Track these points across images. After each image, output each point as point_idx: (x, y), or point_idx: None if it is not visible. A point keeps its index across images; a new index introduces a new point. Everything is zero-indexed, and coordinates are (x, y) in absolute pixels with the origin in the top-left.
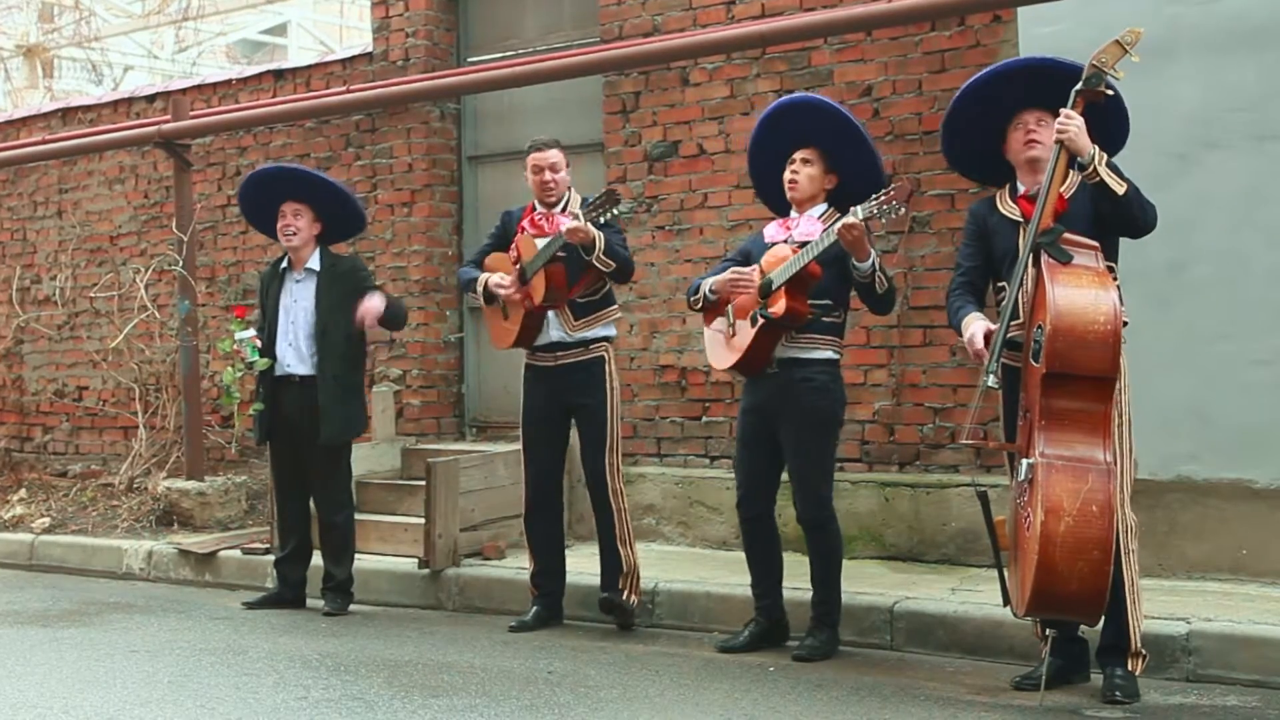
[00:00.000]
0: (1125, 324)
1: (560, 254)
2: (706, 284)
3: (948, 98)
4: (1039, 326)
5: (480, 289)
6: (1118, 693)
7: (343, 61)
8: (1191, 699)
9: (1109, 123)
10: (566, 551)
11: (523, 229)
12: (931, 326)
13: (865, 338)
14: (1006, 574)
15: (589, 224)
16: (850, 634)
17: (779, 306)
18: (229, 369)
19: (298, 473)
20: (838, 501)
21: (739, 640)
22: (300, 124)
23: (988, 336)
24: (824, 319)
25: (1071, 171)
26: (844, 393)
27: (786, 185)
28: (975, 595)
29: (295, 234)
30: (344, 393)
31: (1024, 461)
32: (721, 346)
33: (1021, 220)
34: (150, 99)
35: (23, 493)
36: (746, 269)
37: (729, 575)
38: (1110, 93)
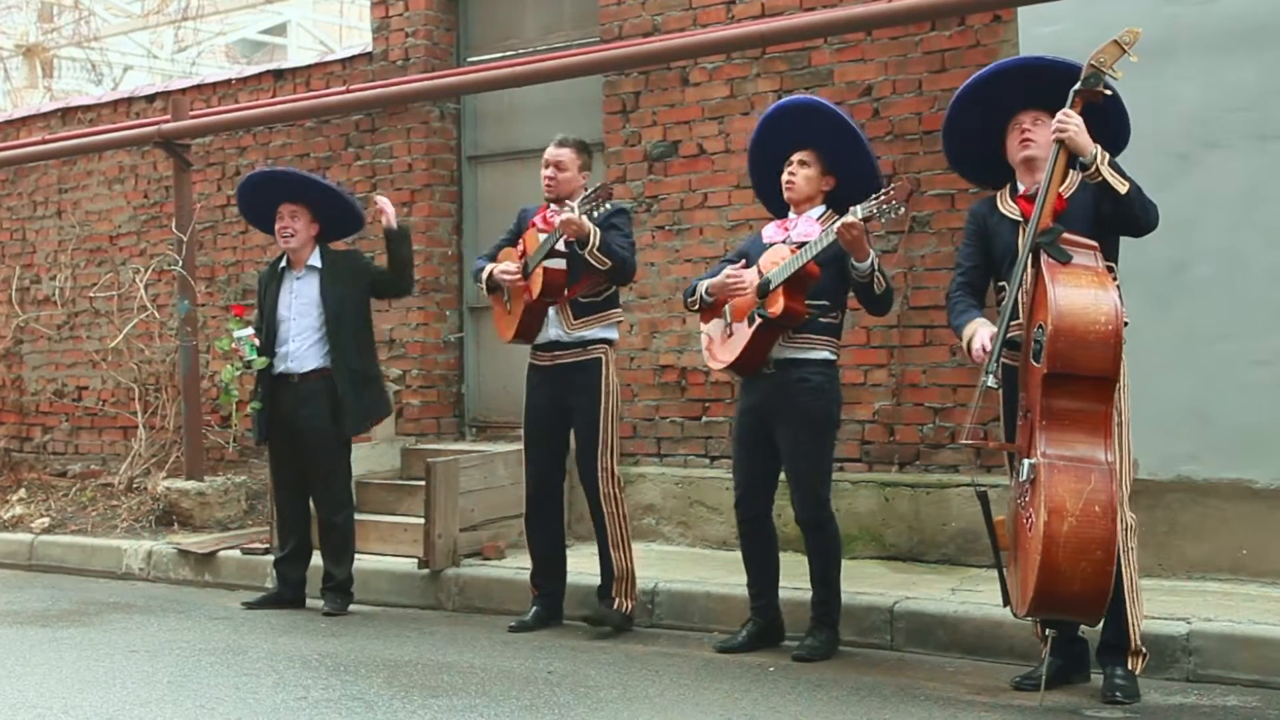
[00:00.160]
0: (1126, 324)
1: (561, 250)
2: (703, 285)
3: (948, 98)
4: (1039, 326)
5: (484, 277)
6: (1118, 693)
7: (342, 61)
8: (1191, 699)
9: (1109, 123)
10: (567, 551)
11: (533, 225)
12: (931, 326)
13: (865, 338)
14: (1006, 574)
15: (583, 218)
16: (850, 634)
17: (777, 306)
18: (227, 367)
19: (297, 473)
20: (837, 501)
21: (736, 641)
22: (300, 124)
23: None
24: (821, 319)
25: (1071, 171)
26: (840, 393)
27: (784, 186)
28: (975, 595)
29: (293, 236)
30: (362, 382)
31: (1025, 462)
32: (718, 346)
33: (1021, 220)
34: (150, 99)
35: (22, 493)
36: (741, 271)
37: (729, 575)
38: (1109, 92)
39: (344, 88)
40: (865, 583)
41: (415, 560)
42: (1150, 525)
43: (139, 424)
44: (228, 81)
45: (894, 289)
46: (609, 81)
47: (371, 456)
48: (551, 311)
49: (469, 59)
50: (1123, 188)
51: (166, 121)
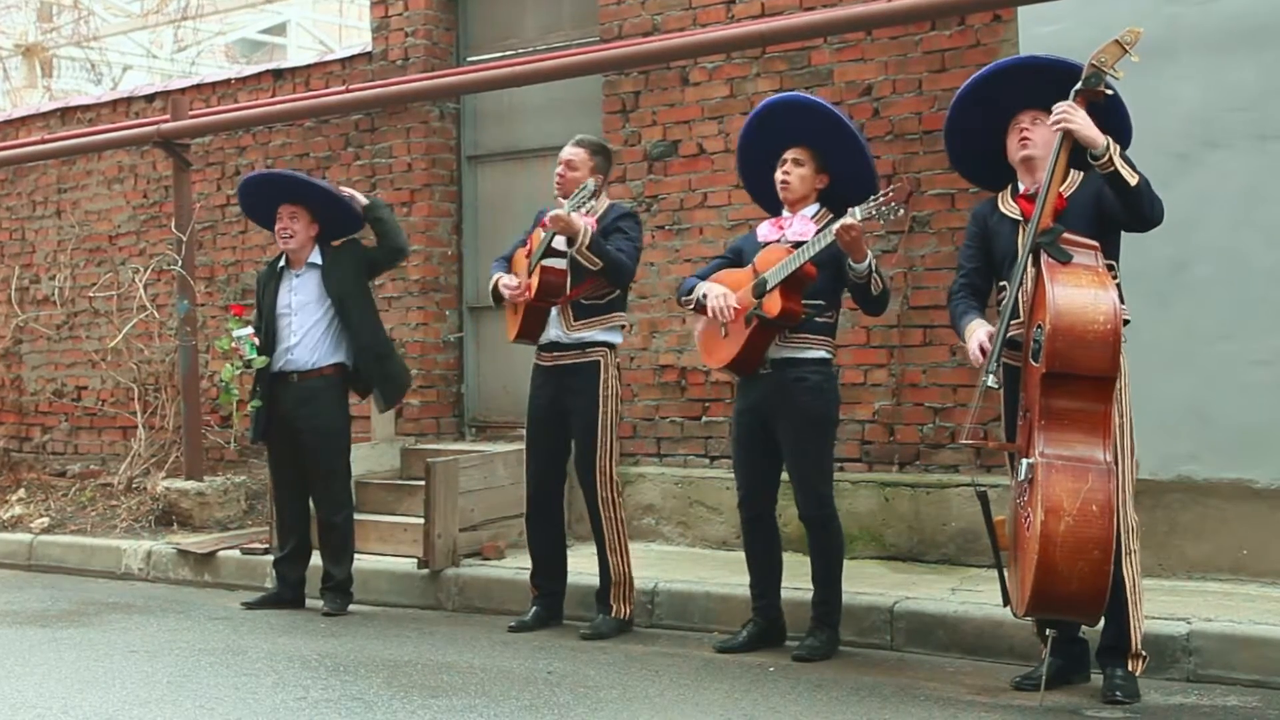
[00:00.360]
0: (1127, 323)
1: (561, 250)
2: (700, 288)
3: (948, 97)
4: (1038, 326)
5: (490, 288)
6: (1118, 693)
7: (342, 61)
8: (1192, 699)
9: (1110, 122)
10: (567, 551)
11: (542, 224)
12: (931, 326)
13: (865, 338)
14: (1006, 574)
15: (572, 215)
16: (850, 634)
17: (774, 307)
18: (227, 366)
19: (297, 472)
20: (838, 501)
21: (737, 641)
22: (299, 124)
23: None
24: (817, 319)
25: (1072, 170)
26: (838, 391)
27: (779, 186)
28: (975, 595)
29: (292, 237)
30: (386, 355)
31: (1024, 461)
32: (715, 345)
33: (1022, 220)
34: (149, 98)
35: (21, 493)
36: (733, 297)
37: (729, 575)
38: (1110, 92)
39: (343, 87)
40: (865, 583)
41: (415, 560)
42: (1150, 525)
43: (138, 424)
44: (227, 81)
45: (891, 289)
46: (609, 81)
47: (371, 456)
48: (554, 312)
49: (468, 59)
50: (1133, 180)
51: (166, 121)
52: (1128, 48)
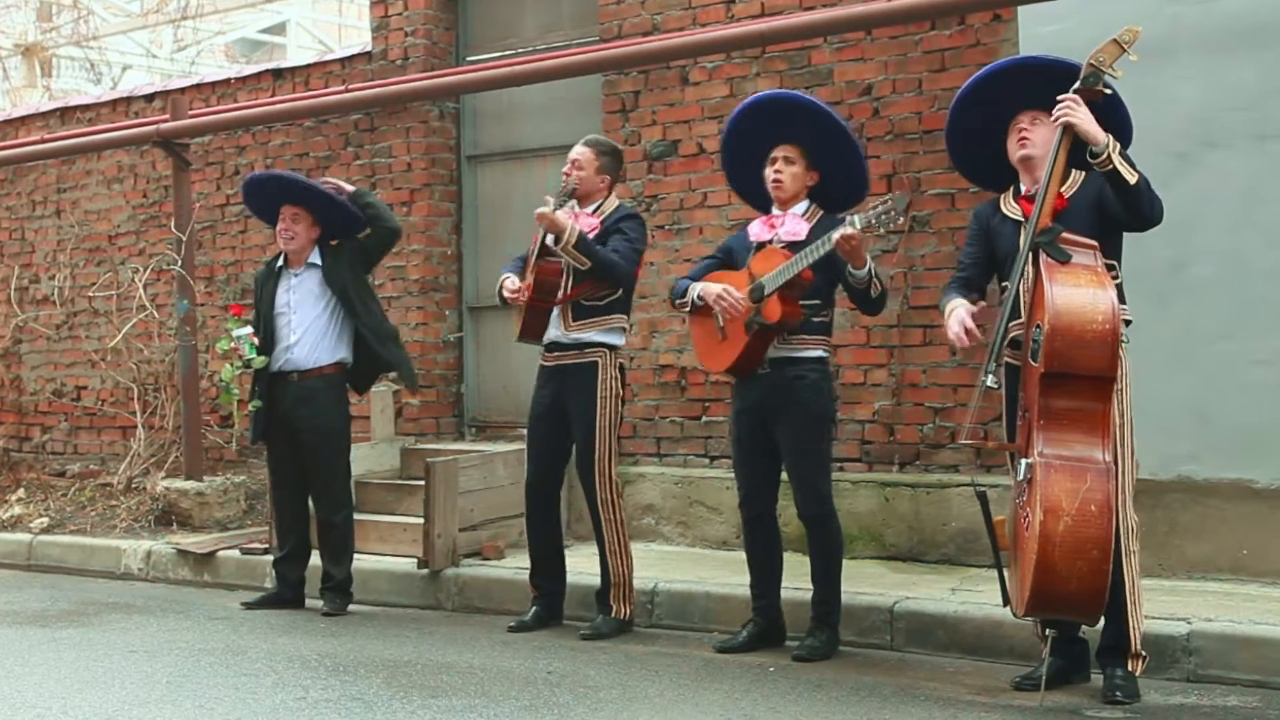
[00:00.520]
0: (1128, 323)
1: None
2: (695, 289)
3: (948, 97)
4: (1038, 326)
5: (497, 289)
6: (1118, 693)
7: (341, 61)
8: (1192, 699)
9: (1110, 122)
10: (566, 551)
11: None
12: (931, 326)
13: (865, 338)
14: (1006, 574)
15: (557, 213)
16: (850, 634)
17: (774, 313)
18: (227, 366)
19: (296, 472)
20: (838, 501)
21: (737, 641)
22: (299, 123)
23: (968, 327)
24: (813, 319)
25: (1073, 170)
26: (835, 390)
27: (771, 185)
28: (975, 595)
29: (293, 239)
30: (393, 339)
31: (1023, 461)
32: (713, 349)
33: (1023, 220)
34: (149, 98)
35: (21, 492)
36: (736, 293)
37: (729, 575)
38: (1108, 91)
39: (343, 87)
40: (865, 583)
41: (415, 560)
42: (1150, 525)
43: (138, 424)
44: (227, 81)
45: (890, 289)
46: (608, 81)
47: (371, 456)
48: (555, 312)
49: (468, 58)
50: (1132, 178)
51: (165, 121)
52: (1126, 47)
